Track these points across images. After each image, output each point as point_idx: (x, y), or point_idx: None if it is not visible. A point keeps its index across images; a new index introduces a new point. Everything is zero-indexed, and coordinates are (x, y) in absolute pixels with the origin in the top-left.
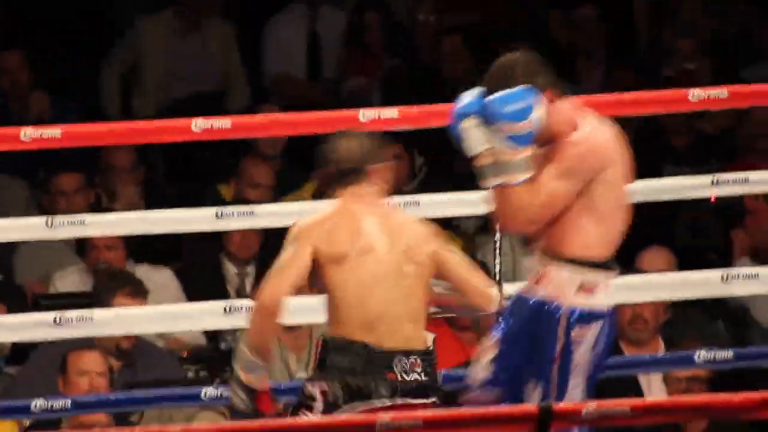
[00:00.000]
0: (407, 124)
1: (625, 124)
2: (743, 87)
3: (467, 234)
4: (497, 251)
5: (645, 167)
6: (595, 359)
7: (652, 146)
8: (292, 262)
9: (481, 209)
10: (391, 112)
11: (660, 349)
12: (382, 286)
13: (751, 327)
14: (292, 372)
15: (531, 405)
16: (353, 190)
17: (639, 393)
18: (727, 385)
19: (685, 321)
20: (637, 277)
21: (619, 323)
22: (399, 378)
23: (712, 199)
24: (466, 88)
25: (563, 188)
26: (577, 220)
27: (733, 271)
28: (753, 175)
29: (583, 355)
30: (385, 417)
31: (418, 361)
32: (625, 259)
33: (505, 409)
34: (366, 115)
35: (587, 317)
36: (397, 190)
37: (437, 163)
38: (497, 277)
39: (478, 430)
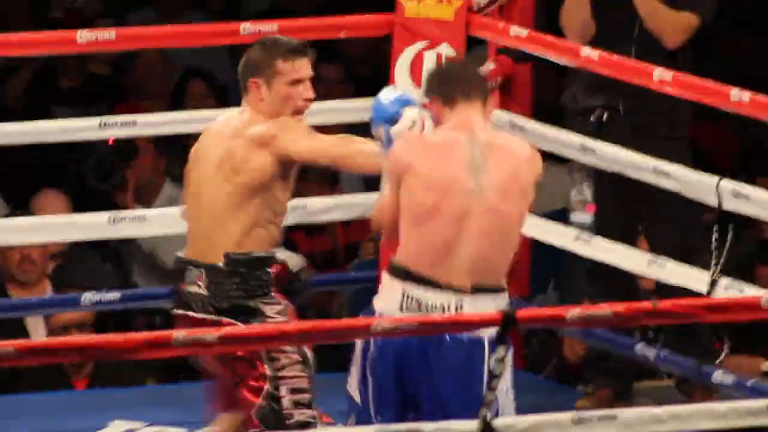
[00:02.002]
0: None
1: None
2: (130, 29)
3: None
4: None
5: (36, 109)
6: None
7: (43, 88)
8: None
9: None
10: None
11: (48, 292)
12: (195, 199)
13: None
14: None
15: None
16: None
17: (26, 336)
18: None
19: (76, 263)
20: (27, 219)
21: (7, 266)
22: (185, 289)
23: (110, 141)
24: None
25: (386, 197)
26: None
27: (121, 213)
28: (140, 117)
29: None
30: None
31: (202, 274)
32: (17, 201)
33: None
34: None
35: None
36: None
37: None
38: None
39: None
